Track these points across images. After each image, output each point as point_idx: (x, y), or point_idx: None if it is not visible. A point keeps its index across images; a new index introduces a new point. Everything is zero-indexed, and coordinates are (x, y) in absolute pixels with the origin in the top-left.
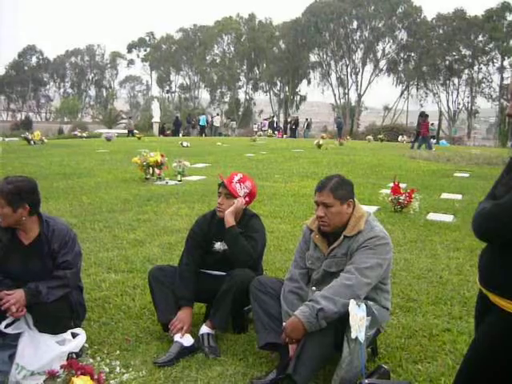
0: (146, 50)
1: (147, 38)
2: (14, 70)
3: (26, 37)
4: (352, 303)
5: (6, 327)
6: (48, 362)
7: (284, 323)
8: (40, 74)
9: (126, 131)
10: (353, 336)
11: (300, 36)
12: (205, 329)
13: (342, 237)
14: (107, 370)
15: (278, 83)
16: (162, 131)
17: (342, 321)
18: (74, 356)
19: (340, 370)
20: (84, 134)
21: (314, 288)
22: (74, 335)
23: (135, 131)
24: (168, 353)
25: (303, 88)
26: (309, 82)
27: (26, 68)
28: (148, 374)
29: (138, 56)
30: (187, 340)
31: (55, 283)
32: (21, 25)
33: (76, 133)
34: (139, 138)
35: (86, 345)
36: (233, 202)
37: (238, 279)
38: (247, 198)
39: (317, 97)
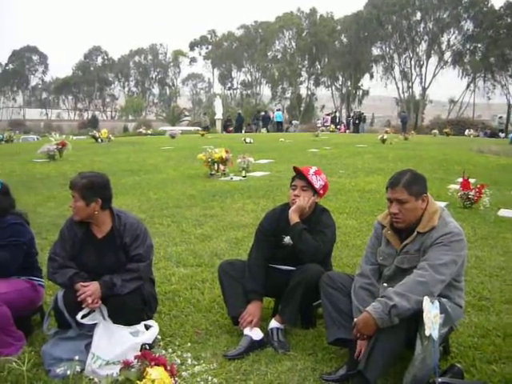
0: (207, 48)
1: (209, 36)
2: (81, 71)
3: (91, 38)
4: (426, 300)
5: (82, 318)
6: (122, 352)
7: (355, 319)
8: (105, 73)
9: (190, 128)
10: (426, 333)
11: (362, 29)
12: (274, 323)
13: (415, 233)
14: (179, 361)
15: (340, 78)
16: (225, 128)
17: (414, 318)
18: (147, 347)
19: (412, 367)
20: (149, 132)
21: (385, 284)
22: (147, 327)
23: (199, 128)
24: (238, 346)
25: (366, 82)
26: (371, 76)
27: (91, 68)
28: (218, 366)
29: (200, 54)
30: (257, 334)
31: (129, 276)
32: (86, 27)
33: (141, 130)
34: (202, 135)
35: (159, 336)
36: (309, 195)
37: (307, 274)
38: (321, 191)
39: (379, 91)
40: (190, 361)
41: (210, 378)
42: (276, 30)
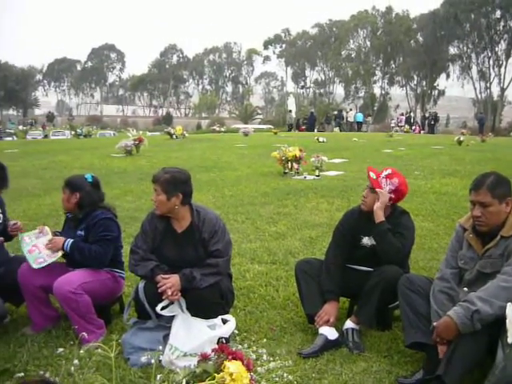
0: (281, 47)
1: (283, 35)
2: (157, 69)
3: (167, 36)
4: (509, 306)
5: (161, 309)
6: (200, 344)
7: (434, 323)
8: (180, 71)
9: (262, 126)
10: (509, 341)
11: (438, 28)
12: (349, 324)
13: (499, 237)
14: (254, 356)
15: (415, 77)
16: (297, 126)
17: (496, 324)
18: (224, 341)
19: (492, 376)
20: (222, 129)
21: (465, 289)
22: (224, 321)
23: (271, 126)
24: (313, 345)
25: (441, 82)
26: (448, 76)
27: (167, 66)
28: (293, 363)
29: (274, 52)
30: (332, 333)
31: (208, 270)
32: (163, 25)
33: (214, 128)
34: (275, 133)
35: (236, 331)
36: (377, 196)
37: (386, 275)
38: (392, 195)
39: (456, 91)
40: (265, 357)
41: (285, 374)
42: (350, 28)
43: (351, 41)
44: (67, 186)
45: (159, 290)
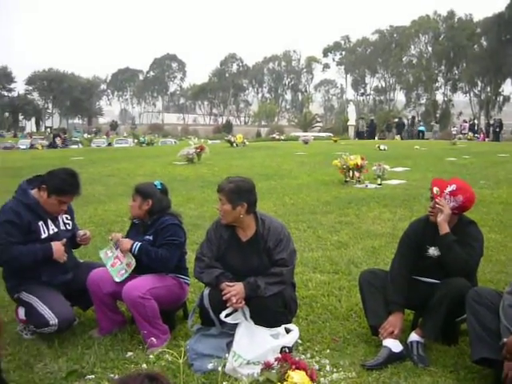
0: (341, 54)
1: (342, 42)
2: (217, 77)
3: (227, 45)
4: None
5: (225, 317)
6: (263, 353)
7: (504, 339)
8: (240, 80)
9: (322, 134)
10: None
11: (503, 31)
12: (414, 336)
13: None
14: (317, 367)
15: (479, 83)
16: (357, 134)
17: None
18: (287, 350)
19: None
20: (282, 137)
21: None
22: (287, 330)
23: (331, 134)
24: (377, 357)
25: (507, 88)
26: None
27: (227, 75)
28: (357, 375)
29: (334, 60)
30: (396, 345)
31: (272, 279)
32: (223, 35)
33: (274, 136)
34: (335, 141)
35: (299, 341)
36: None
37: (453, 288)
38: (455, 211)
39: None
40: (328, 367)
41: None
42: (412, 34)
43: (412, 47)
44: (139, 194)
45: (224, 298)
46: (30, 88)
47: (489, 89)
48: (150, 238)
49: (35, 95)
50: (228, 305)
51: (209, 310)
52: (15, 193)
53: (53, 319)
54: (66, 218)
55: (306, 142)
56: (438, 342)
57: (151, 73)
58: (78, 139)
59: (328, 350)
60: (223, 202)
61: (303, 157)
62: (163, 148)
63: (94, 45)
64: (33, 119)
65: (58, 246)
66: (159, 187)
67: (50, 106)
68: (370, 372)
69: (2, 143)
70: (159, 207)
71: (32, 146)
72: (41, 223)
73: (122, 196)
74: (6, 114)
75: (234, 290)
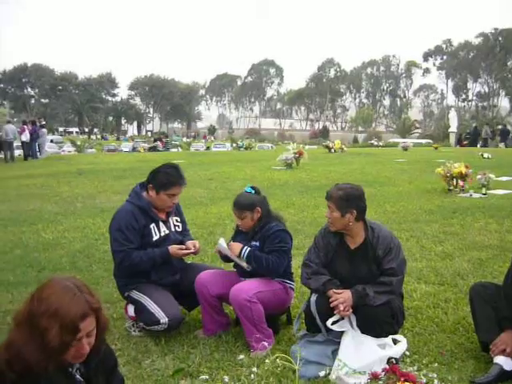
0: (442, 58)
1: (444, 46)
2: (314, 83)
3: (325, 51)
4: None
5: (332, 324)
6: (369, 363)
7: None
8: (337, 85)
9: (420, 141)
10: None
11: None
12: None
13: None
14: (424, 380)
15: None
16: (458, 141)
17: None
18: (394, 361)
19: None
20: (380, 143)
21: None
22: (394, 341)
23: (430, 141)
24: (487, 374)
25: None
26: None
27: (324, 80)
28: None
29: (434, 64)
30: (509, 363)
31: (381, 289)
32: (320, 40)
33: (372, 142)
34: (436, 148)
35: (407, 352)
36: None
37: None
38: None
39: None
40: (436, 382)
41: None
42: None
43: None
44: (244, 209)
45: (331, 305)
46: (133, 93)
47: None
48: (257, 243)
49: (137, 100)
50: (335, 312)
51: (315, 317)
52: (129, 196)
53: (163, 318)
54: (176, 221)
55: (405, 149)
56: None
57: (249, 78)
58: (177, 143)
59: (436, 364)
60: (332, 210)
61: (403, 164)
62: (261, 152)
63: (194, 51)
64: (134, 123)
65: (173, 250)
66: (253, 191)
67: (151, 110)
68: None
69: (106, 146)
70: (266, 211)
71: (134, 149)
72: (153, 225)
73: (223, 200)
74: (110, 118)
75: (342, 297)
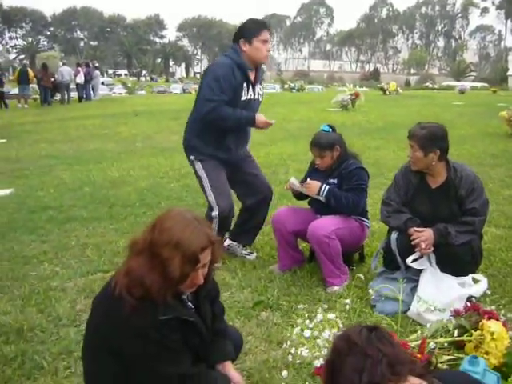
0: None
1: None
2: (365, 23)
3: None
4: None
5: (412, 262)
6: (450, 301)
7: None
8: (389, 25)
9: (476, 84)
10: None
11: None
12: None
13: None
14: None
15: None
16: None
17: None
18: (474, 300)
19: None
20: (435, 86)
21: None
22: (474, 280)
23: (486, 84)
24: None
25: None
26: None
27: (375, 20)
28: None
29: (493, 3)
30: None
31: (463, 228)
32: None
33: (427, 84)
34: (494, 92)
35: (488, 291)
36: None
37: None
38: None
39: None
40: None
41: None
42: None
43: None
44: (325, 148)
45: (413, 243)
46: (181, 35)
47: None
48: (335, 181)
49: (185, 42)
50: (416, 250)
51: (396, 254)
52: (224, 55)
53: (215, 210)
54: (260, 89)
55: (462, 92)
56: None
57: (298, 18)
58: None
59: None
60: (415, 149)
61: (461, 107)
62: (312, 94)
63: None
64: (183, 65)
65: (260, 118)
66: (330, 130)
67: (199, 52)
68: None
69: (156, 88)
70: (345, 149)
71: (184, 91)
72: (245, 85)
73: (282, 140)
74: (158, 60)
75: (424, 235)
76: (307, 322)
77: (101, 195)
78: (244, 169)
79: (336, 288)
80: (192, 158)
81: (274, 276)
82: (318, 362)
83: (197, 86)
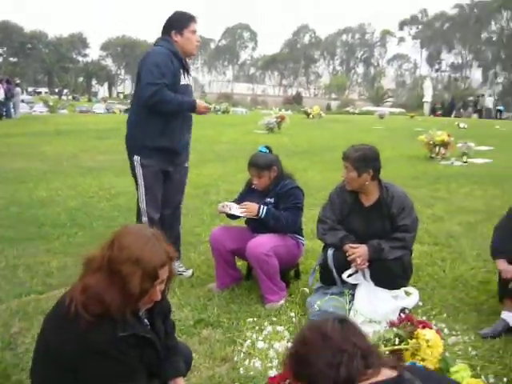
0: (417, 28)
1: (420, 15)
2: (288, 48)
3: (300, 17)
4: None
5: (347, 277)
6: (384, 313)
7: None
8: (312, 51)
9: (394, 109)
10: None
11: None
12: None
13: None
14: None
15: None
16: (432, 111)
17: None
18: (407, 312)
19: None
20: (356, 111)
21: None
22: (406, 293)
23: (403, 110)
24: (493, 327)
25: None
26: None
27: (298, 46)
28: (471, 341)
29: (409, 33)
30: None
31: (396, 244)
32: (295, 5)
33: (348, 109)
34: (412, 117)
35: (420, 303)
36: None
37: None
38: None
39: None
40: (446, 331)
41: (470, 349)
42: (494, 9)
43: (493, 22)
44: (263, 168)
45: (349, 259)
46: (104, 54)
47: None
48: (272, 200)
49: (108, 61)
50: (352, 265)
51: (332, 270)
52: (155, 45)
53: (144, 217)
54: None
55: (381, 117)
56: None
57: (223, 41)
58: None
59: (445, 315)
60: (349, 170)
61: (382, 131)
62: (238, 117)
63: (166, 12)
64: (105, 84)
65: (201, 103)
66: (267, 150)
67: (123, 72)
68: (485, 339)
69: (79, 107)
70: (281, 169)
71: (108, 111)
72: (182, 71)
73: (211, 161)
74: (80, 79)
75: (359, 251)
76: (254, 335)
77: (29, 215)
78: (176, 182)
79: (274, 304)
80: (135, 159)
81: (212, 294)
82: (272, 373)
83: (121, 106)
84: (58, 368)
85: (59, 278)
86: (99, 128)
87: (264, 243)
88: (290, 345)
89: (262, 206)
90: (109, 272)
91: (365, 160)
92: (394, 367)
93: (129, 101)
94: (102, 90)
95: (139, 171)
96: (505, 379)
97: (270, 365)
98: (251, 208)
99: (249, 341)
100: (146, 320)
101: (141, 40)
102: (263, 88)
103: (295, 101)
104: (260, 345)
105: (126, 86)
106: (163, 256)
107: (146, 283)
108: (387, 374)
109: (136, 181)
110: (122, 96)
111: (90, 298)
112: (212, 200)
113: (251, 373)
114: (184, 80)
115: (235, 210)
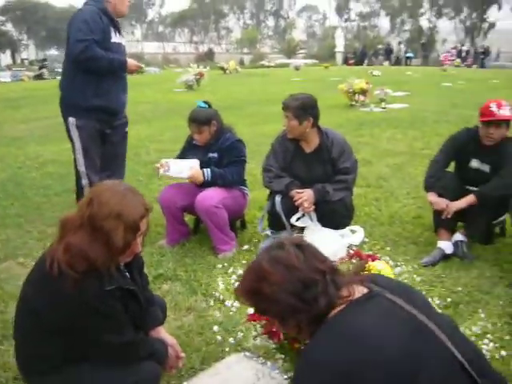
0: None
1: None
2: (197, 4)
3: None
4: None
5: (296, 221)
6: (334, 251)
7: None
8: (220, 6)
9: (307, 61)
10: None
11: None
12: (459, 236)
13: None
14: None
15: (465, 9)
16: (345, 60)
17: None
18: (354, 248)
19: None
20: (271, 64)
21: None
22: (352, 231)
23: (316, 61)
24: (432, 256)
25: (492, 14)
26: (500, 8)
27: (207, 1)
28: (415, 269)
29: None
30: (449, 247)
31: (339, 186)
32: None
33: (263, 62)
34: (326, 67)
35: (366, 239)
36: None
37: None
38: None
39: (507, 24)
40: (391, 262)
41: (415, 276)
42: None
43: None
44: (202, 123)
45: (296, 203)
46: (3, 19)
47: (474, 15)
48: (215, 155)
49: (9, 26)
50: (300, 209)
51: (281, 215)
52: (84, 4)
53: (85, 179)
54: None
55: (297, 69)
56: (475, 242)
57: None
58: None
59: (388, 248)
60: (290, 119)
61: (301, 83)
62: (153, 76)
63: None
64: (7, 52)
65: (131, 62)
66: (207, 106)
67: (25, 37)
68: (426, 267)
69: None
70: (221, 123)
71: (15, 78)
72: (112, 29)
73: (135, 123)
74: None
75: (305, 195)
76: (213, 284)
77: None
78: (114, 146)
79: (227, 253)
80: (70, 121)
81: (165, 250)
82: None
83: (29, 73)
84: (46, 331)
85: (5, 250)
86: (10, 97)
87: (212, 196)
88: (242, 278)
89: (205, 170)
90: (91, 229)
91: (304, 108)
92: (361, 281)
93: (36, 67)
94: (5, 58)
95: (75, 133)
96: (448, 299)
97: (231, 313)
98: (196, 176)
99: (209, 290)
100: (126, 273)
101: (41, 2)
102: (174, 46)
103: (207, 57)
104: (219, 293)
105: (30, 52)
106: (142, 208)
107: (128, 236)
108: (360, 290)
109: (73, 144)
110: (27, 62)
111: (75, 256)
112: (145, 161)
113: (218, 318)
114: (115, 38)
115: (175, 171)
